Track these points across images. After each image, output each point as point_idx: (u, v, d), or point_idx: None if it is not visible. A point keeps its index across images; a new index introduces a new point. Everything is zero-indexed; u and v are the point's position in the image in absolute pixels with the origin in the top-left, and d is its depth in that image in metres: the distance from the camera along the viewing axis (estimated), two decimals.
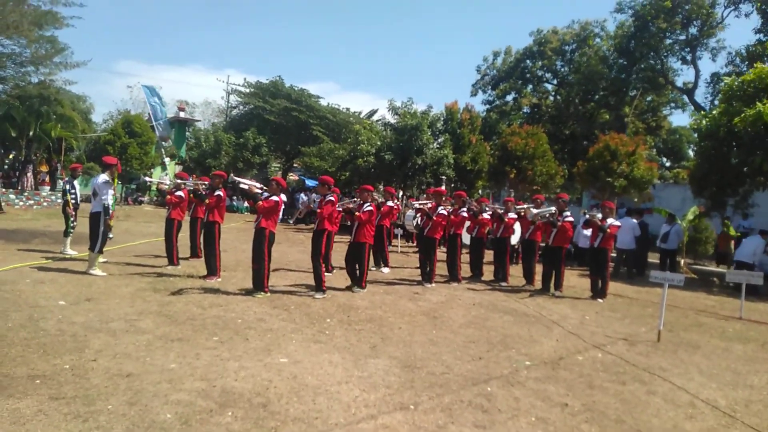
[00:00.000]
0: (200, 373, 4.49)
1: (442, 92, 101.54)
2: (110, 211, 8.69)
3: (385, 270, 11.22)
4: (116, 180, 9.28)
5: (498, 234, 11.11)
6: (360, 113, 34.20)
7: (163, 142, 30.70)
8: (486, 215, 10.98)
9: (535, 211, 10.29)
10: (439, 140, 21.65)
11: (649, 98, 32.31)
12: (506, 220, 10.90)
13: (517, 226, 11.78)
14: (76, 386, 4.02)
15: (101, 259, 8.90)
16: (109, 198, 8.64)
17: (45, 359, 4.52)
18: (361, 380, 4.66)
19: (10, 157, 24.71)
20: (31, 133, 22.77)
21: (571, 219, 10.01)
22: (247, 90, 33.24)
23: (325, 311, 7.12)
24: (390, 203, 11.41)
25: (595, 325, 7.60)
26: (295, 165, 35.90)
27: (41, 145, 24.08)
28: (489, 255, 11.75)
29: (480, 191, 23.78)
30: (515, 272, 11.50)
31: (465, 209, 10.67)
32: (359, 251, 8.65)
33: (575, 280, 11.73)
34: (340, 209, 8.70)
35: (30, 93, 23.03)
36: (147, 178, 17.20)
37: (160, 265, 9.54)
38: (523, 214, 10.70)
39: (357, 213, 8.58)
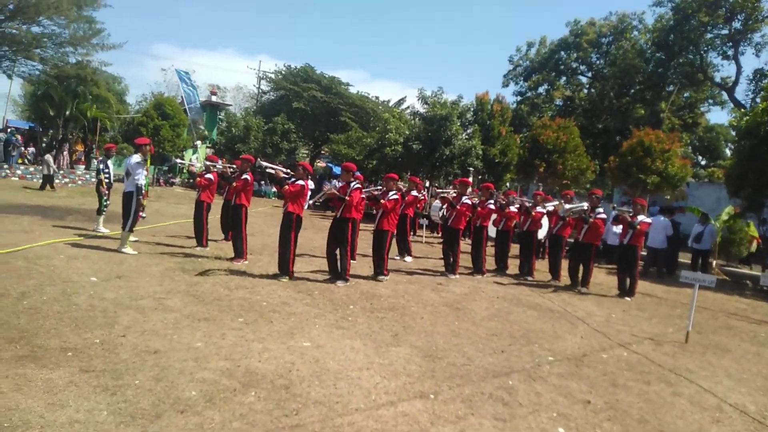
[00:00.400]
0: (225, 353, 4.57)
1: (473, 82, 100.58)
2: (143, 191, 8.87)
3: (408, 259, 11.22)
4: (149, 161, 9.40)
5: (525, 227, 10.98)
6: (389, 102, 34.09)
7: (195, 126, 31.15)
8: (513, 208, 10.86)
9: (567, 206, 10.12)
10: (468, 131, 21.45)
11: (686, 94, 31.39)
12: (533, 213, 10.77)
13: (545, 221, 11.64)
14: (106, 360, 4.14)
15: (132, 238, 9.10)
16: (142, 178, 8.79)
17: (77, 333, 4.67)
18: (382, 367, 4.69)
19: (48, 135, 25.41)
20: (67, 113, 23.36)
21: (603, 216, 9.83)
22: (278, 76, 33.45)
23: (349, 298, 7.17)
24: (414, 193, 11.41)
25: (622, 324, 7.48)
26: (323, 152, 36.07)
27: (77, 124, 24.70)
28: (515, 248, 11.64)
29: (508, 184, 23.52)
30: (541, 267, 11.36)
31: (492, 201, 10.57)
32: (381, 239, 8.65)
33: (602, 277, 11.54)
34: (365, 196, 8.71)
35: (68, 73, 23.64)
36: (178, 160, 17.51)
37: (189, 246, 9.72)
38: (553, 211, 10.53)
39: (382, 201, 8.56)
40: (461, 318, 6.80)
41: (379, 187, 9.95)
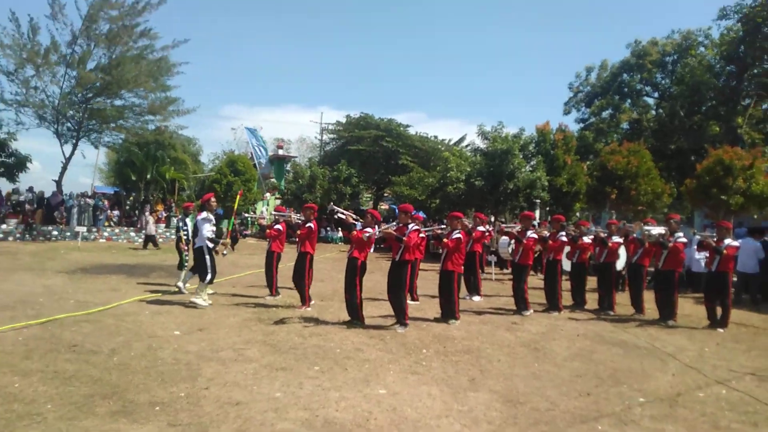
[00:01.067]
0: (303, 403, 4.60)
1: (533, 113, 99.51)
2: (219, 243, 9.31)
3: (477, 298, 10.97)
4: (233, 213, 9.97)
5: (601, 259, 10.50)
6: (450, 141, 34.32)
7: (265, 179, 32.56)
8: (587, 239, 10.46)
9: (647, 228, 9.65)
10: (532, 163, 21.11)
11: (765, 105, 29.50)
12: (610, 244, 10.30)
13: (622, 251, 11.10)
14: (191, 414, 4.27)
15: (209, 291, 9.47)
16: (210, 233, 9.03)
17: (163, 387, 4.86)
18: (461, 414, 4.54)
19: (131, 198, 27.32)
20: (148, 176, 25.12)
21: (683, 240, 9.27)
22: (338, 127, 34.71)
23: (421, 342, 7.07)
24: (481, 228, 11.23)
25: (717, 358, 6.90)
26: (385, 194, 36.53)
27: (157, 186, 26.46)
28: (592, 282, 11.12)
29: (578, 214, 22.77)
30: (622, 300, 10.77)
31: (563, 233, 10.24)
32: (448, 280, 8.48)
33: (690, 307, 10.77)
34: (429, 235, 8.68)
35: (147, 139, 25.56)
36: (247, 214, 18.06)
37: (263, 296, 9.99)
38: (635, 232, 10.11)
39: (445, 240, 8.45)
40: (541, 359, 6.52)
41: (443, 226, 9.90)
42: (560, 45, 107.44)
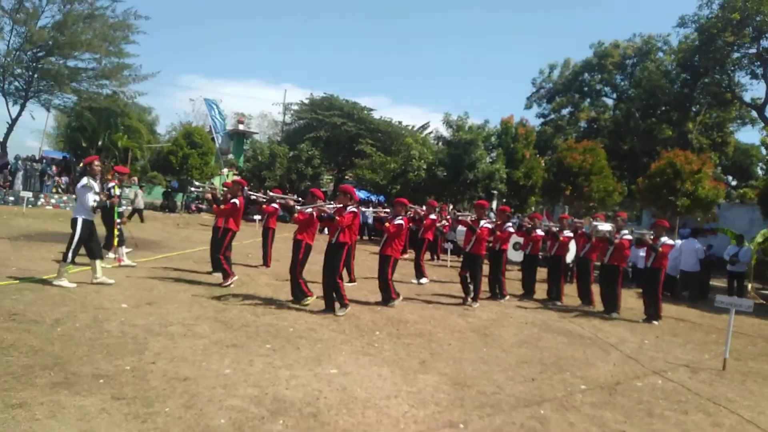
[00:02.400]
0: (253, 380, 4.58)
1: (496, 106, 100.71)
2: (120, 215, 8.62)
3: (424, 280, 11.19)
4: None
5: (552, 252, 10.83)
6: (413, 127, 34.38)
7: (223, 154, 31.80)
8: (539, 232, 10.75)
9: (594, 223, 10.02)
10: (492, 155, 21.45)
11: (714, 114, 30.88)
12: (561, 238, 10.63)
13: (572, 245, 11.47)
14: (136, 387, 4.18)
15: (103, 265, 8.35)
16: (89, 202, 7.71)
17: (108, 360, 4.73)
18: (410, 395, 4.62)
19: (80, 165, 26.19)
20: (100, 143, 24.14)
21: (629, 237, 9.66)
22: (302, 107, 34.21)
23: (375, 324, 7.13)
24: (433, 216, 11.43)
25: (655, 350, 7.25)
26: (347, 177, 36.40)
27: (109, 154, 25.46)
28: (542, 273, 11.46)
29: (533, 207, 23.32)
30: (569, 291, 11.15)
31: (510, 224, 10.44)
32: (384, 264, 8.48)
33: (633, 302, 11.25)
34: (372, 219, 8.71)
35: (100, 104, 24.50)
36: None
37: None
38: (583, 227, 10.45)
39: (386, 224, 8.47)
40: (489, 344, 6.70)
41: (387, 210, 9.97)
42: (526, 39, 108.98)
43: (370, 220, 18.35)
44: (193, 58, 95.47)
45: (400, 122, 34.40)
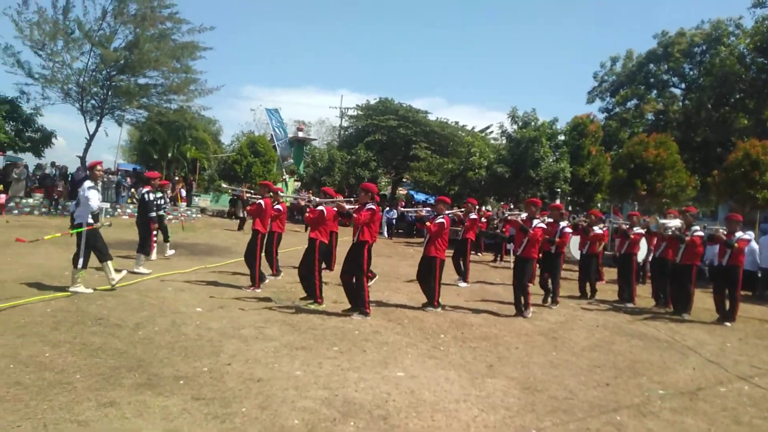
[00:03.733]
0: (323, 382, 4.67)
1: (556, 102, 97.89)
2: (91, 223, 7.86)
3: (463, 284, 10.85)
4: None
5: (622, 250, 10.38)
6: (473, 128, 34.08)
7: (284, 161, 32.69)
8: (597, 229, 10.34)
9: (662, 221, 9.52)
10: (557, 153, 20.84)
11: None
12: (631, 236, 10.18)
13: (644, 243, 10.97)
14: (214, 388, 4.36)
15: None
16: (93, 207, 7.57)
17: (187, 362, 4.96)
18: (479, 399, 4.57)
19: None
20: (170, 155, 25.40)
21: (700, 234, 9.12)
22: (358, 112, 34.69)
23: (439, 327, 7.10)
24: (472, 215, 11.18)
25: (739, 354, 6.82)
26: (404, 179, 36.50)
27: (179, 165, 26.75)
28: (612, 273, 11.02)
29: (599, 204, 22.50)
30: (642, 292, 10.67)
31: (565, 224, 9.85)
32: (429, 266, 8.07)
33: (710, 302, 10.62)
34: (414, 218, 8.55)
35: (169, 118, 25.78)
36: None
37: (281, 276, 10.05)
38: (650, 225, 9.92)
39: (428, 223, 8.13)
40: (559, 348, 6.51)
41: (428, 209, 9.68)
42: (584, 34, 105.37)
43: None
44: (253, 68, 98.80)
45: (457, 122, 34.18)
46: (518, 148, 20.04)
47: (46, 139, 23.93)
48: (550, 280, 9.34)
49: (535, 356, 6.07)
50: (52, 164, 23.92)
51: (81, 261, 7.48)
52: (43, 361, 4.66)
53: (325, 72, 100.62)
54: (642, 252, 11.38)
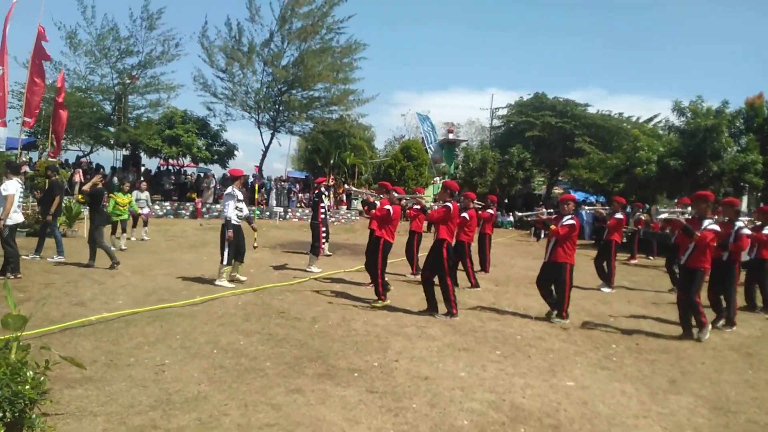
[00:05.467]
0: (488, 385, 4.67)
1: (727, 87, 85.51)
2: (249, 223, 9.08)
3: (606, 290, 9.93)
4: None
5: None
6: (638, 119, 31.30)
7: (435, 163, 33.21)
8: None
9: None
10: (741, 142, 18.29)
11: None
12: None
13: None
14: (385, 383, 4.60)
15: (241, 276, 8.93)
16: (230, 211, 8.21)
17: (358, 355, 5.30)
18: (661, 417, 4.21)
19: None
20: (332, 162, 27.30)
21: None
22: (510, 111, 33.86)
23: (609, 336, 6.66)
24: (618, 215, 10.27)
25: None
26: (560, 178, 34.81)
27: (339, 171, 28.63)
28: None
29: None
30: None
31: (743, 224, 7.95)
32: (558, 272, 7.26)
33: None
34: (533, 219, 7.84)
35: (331, 128, 27.74)
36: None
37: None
38: None
39: (553, 227, 7.26)
40: (756, 366, 5.72)
41: (551, 211, 8.69)
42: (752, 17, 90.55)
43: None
44: (402, 74, 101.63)
45: (621, 114, 31.66)
46: (693, 139, 17.92)
47: (229, 151, 27.27)
48: (722, 297, 7.61)
49: (726, 373, 5.40)
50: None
51: (226, 258, 8.30)
52: (239, 348, 5.33)
53: (474, 72, 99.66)
54: None
